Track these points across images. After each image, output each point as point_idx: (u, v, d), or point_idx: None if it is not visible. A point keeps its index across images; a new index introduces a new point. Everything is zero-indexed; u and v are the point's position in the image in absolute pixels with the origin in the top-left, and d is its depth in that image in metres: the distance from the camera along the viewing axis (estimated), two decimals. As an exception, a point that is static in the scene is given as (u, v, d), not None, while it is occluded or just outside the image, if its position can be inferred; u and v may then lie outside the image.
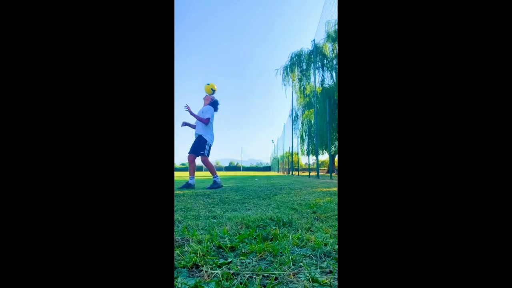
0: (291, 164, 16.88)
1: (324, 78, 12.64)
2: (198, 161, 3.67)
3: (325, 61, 12.47)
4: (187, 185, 3.43)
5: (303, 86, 13.77)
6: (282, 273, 0.59)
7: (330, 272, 0.61)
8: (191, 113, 3.54)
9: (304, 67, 13.49)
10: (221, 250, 0.77)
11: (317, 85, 12.23)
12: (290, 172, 17.00)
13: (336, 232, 0.96)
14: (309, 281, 0.55)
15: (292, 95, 14.85)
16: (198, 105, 3.82)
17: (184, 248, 0.78)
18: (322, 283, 0.55)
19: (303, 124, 14.66)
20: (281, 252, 0.73)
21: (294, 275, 0.59)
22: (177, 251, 0.74)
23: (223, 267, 0.64)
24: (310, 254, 0.73)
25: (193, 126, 3.73)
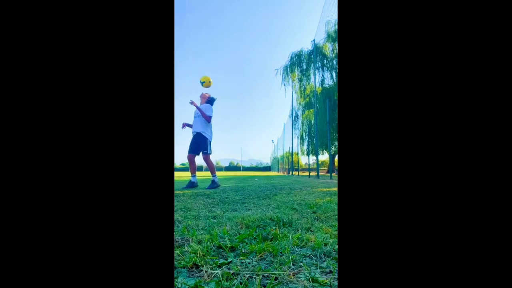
0: (291, 164, 16.89)
1: (324, 78, 12.64)
2: (198, 160, 3.67)
3: (325, 61, 12.47)
4: (191, 184, 3.45)
5: (303, 86, 13.77)
6: (282, 273, 0.59)
7: (330, 272, 0.61)
8: (197, 107, 3.53)
9: (304, 67, 13.48)
10: (221, 250, 0.77)
11: (317, 85, 12.23)
12: (290, 172, 17.00)
13: (336, 232, 0.96)
14: (309, 281, 0.55)
15: (292, 95, 14.86)
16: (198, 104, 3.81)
17: (184, 248, 0.78)
18: (322, 283, 0.55)
19: (303, 124, 14.65)
20: (281, 252, 0.73)
21: (294, 275, 0.59)
22: (177, 251, 0.74)
23: (223, 267, 0.64)
24: (310, 254, 0.73)
25: (191, 126, 3.71)
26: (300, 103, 14.82)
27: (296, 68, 13.66)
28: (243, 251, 0.76)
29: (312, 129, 13.21)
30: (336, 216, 1.28)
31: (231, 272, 0.60)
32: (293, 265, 0.65)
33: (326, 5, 8.27)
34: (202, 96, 3.72)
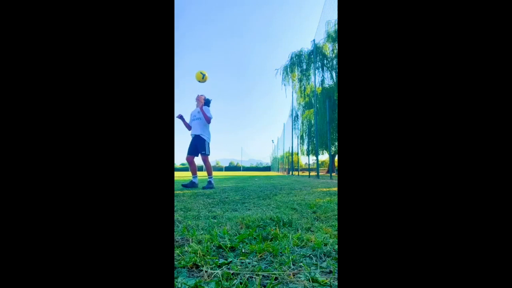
0: (291, 164, 16.89)
1: (324, 78, 12.64)
2: (197, 160, 3.70)
3: (325, 61, 12.46)
4: (192, 184, 3.48)
5: (303, 86, 13.76)
6: (282, 273, 0.59)
7: (330, 272, 0.61)
8: (201, 110, 3.53)
9: (304, 67, 13.48)
10: (221, 250, 0.77)
11: (317, 85, 12.23)
12: (290, 172, 17.00)
13: (336, 232, 0.96)
14: (309, 281, 0.55)
15: (292, 95, 14.85)
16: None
17: (184, 248, 0.78)
18: (322, 283, 0.55)
19: (303, 124, 14.65)
20: (281, 252, 0.73)
21: (294, 275, 0.59)
22: (177, 251, 0.74)
23: (223, 267, 0.64)
24: (310, 254, 0.73)
25: (188, 126, 3.72)
26: (300, 103, 14.82)
27: (296, 68, 13.66)
28: (243, 251, 0.76)
29: (312, 129, 13.20)
30: (336, 216, 1.28)
31: (231, 272, 0.60)
32: (293, 265, 0.65)
33: (326, 5, 8.28)
34: (197, 99, 3.71)
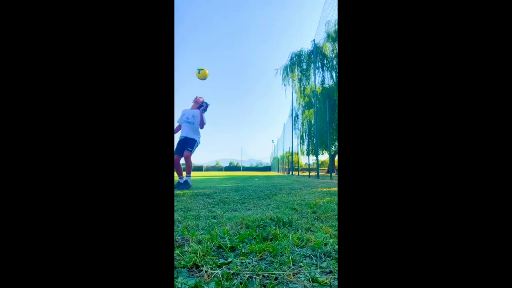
0: (291, 164, 16.89)
1: (324, 78, 12.64)
2: (193, 159, 3.57)
3: (325, 61, 12.46)
4: (185, 183, 3.39)
5: (303, 86, 13.76)
6: (282, 273, 0.59)
7: (330, 272, 0.61)
8: (201, 115, 3.46)
9: (304, 67, 13.47)
10: (221, 250, 0.77)
11: (317, 85, 12.22)
12: (290, 172, 17.00)
13: (336, 232, 0.96)
14: (309, 281, 0.55)
15: (292, 95, 14.85)
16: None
17: (184, 248, 0.78)
18: (322, 283, 0.55)
19: (303, 124, 14.65)
20: (281, 252, 0.73)
21: (294, 275, 0.59)
22: (177, 251, 0.74)
23: (223, 267, 0.64)
24: (310, 254, 0.73)
25: (177, 130, 3.60)
26: (300, 103, 14.82)
27: (296, 68, 13.65)
28: (243, 251, 0.76)
29: (312, 129, 13.20)
30: (336, 216, 1.28)
31: (231, 272, 0.60)
32: (293, 265, 0.65)
33: (326, 5, 8.27)
34: (195, 100, 3.64)
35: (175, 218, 1.27)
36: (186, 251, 0.75)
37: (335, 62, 12.05)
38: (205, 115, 3.62)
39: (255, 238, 0.88)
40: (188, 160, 3.45)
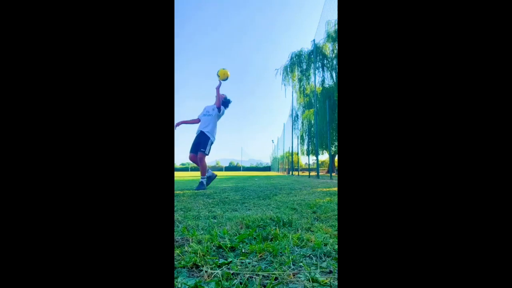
0: (291, 164, 16.88)
1: (324, 78, 12.64)
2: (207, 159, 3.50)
3: (325, 61, 12.46)
4: (201, 185, 3.26)
5: (303, 86, 13.76)
6: (282, 273, 0.59)
7: (330, 272, 0.61)
8: (217, 92, 3.41)
9: (304, 67, 13.47)
10: (221, 250, 0.77)
11: (317, 85, 12.22)
12: (290, 172, 17.00)
13: (336, 232, 0.96)
14: (309, 281, 0.55)
15: (292, 95, 14.85)
16: (200, 105, 3.72)
17: (184, 248, 0.78)
18: (322, 283, 0.55)
19: (303, 124, 14.64)
20: (281, 252, 0.73)
21: (294, 275, 0.59)
22: (177, 251, 0.74)
23: (223, 267, 0.64)
24: (310, 254, 0.73)
25: (194, 121, 3.55)
26: (300, 103, 14.82)
27: (296, 68, 13.65)
28: (243, 251, 0.76)
29: (312, 129, 13.20)
30: (336, 216, 1.28)
31: (231, 272, 0.60)
32: (293, 265, 0.65)
33: (326, 5, 8.27)
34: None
35: (175, 218, 1.27)
36: (186, 251, 0.75)
37: (335, 62, 12.05)
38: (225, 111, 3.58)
39: (255, 238, 0.88)
40: (202, 161, 3.37)
